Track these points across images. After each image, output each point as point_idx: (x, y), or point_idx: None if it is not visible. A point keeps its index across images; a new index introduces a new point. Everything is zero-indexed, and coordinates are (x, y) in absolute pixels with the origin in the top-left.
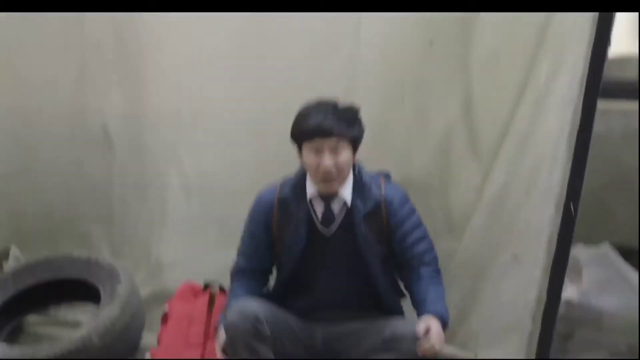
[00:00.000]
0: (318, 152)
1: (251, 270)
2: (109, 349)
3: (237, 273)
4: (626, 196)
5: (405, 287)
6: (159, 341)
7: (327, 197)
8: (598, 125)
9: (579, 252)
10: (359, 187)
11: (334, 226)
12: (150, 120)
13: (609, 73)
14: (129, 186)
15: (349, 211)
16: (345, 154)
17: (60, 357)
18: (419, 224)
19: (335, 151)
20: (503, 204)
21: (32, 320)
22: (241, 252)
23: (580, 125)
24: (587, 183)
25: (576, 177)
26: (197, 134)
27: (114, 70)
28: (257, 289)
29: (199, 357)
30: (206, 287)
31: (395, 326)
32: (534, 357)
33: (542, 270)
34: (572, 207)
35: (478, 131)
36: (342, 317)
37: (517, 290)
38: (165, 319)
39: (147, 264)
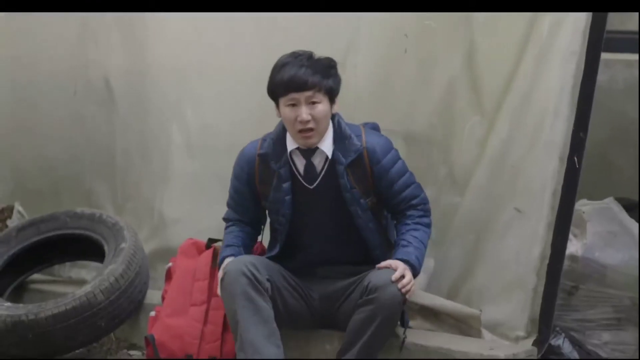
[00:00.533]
0: (294, 105)
1: (240, 221)
2: (113, 306)
3: (228, 221)
4: (629, 149)
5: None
6: (163, 298)
7: (308, 151)
8: (600, 77)
9: (582, 206)
10: (339, 138)
11: (317, 180)
12: (153, 76)
13: (610, 25)
14: (132, 142)
15: (331, 164)
16: (322, 106)
17: (65, 314)
18: (404, 171)
19: (311, 104)
20: (506, 158)
21: (36, 278)
22: (229, 205)
23: (583, 78)
24: (590, 136)
25: (580, 130)
26: (199, 90)
27: (116, 25)
28: (251, 237)
29: (203, 314)
30: (209, 245)
31: (370, 277)
32: (538, 313)
33: (546, 225)
34: (576, 160)
35: (481, 85)
36: (335, 274)
37: (521, 246)
38: (169, 275)
39: (150, 220)
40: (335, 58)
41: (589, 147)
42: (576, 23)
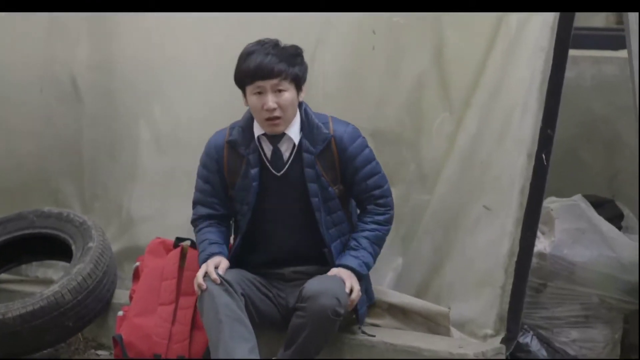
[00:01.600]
0: (260, 94)
1: (212, 216)
2: (80, 306)
3: (200, 219)
4: (597, 146)
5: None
6: (130, 298)
7: (275, 137)
8: (568, 74)
9: (550, 203)
10: (307, 127)
11: (284, 167)
12: (120, 72)
13: (577, 22)
14: (99, 140)
15: (298, 151)
16: (288, 94)
17: (32, 314)
18: (371, 159)
19: (277, 91)
20: (475, 154)
21: (3, 277)
22: (198, 201)
23: (551, 74)
24: (558, 133)
25: (548, 127)
26: (168, 86)
27: (84, 21)
28: (227, 235)
29: (171, 314)
30: (177, 244)
31: (306, 284)
32: (506, 310)
33: (514, 221)
34: (544, 157)
35: (449, 80)
36: (303, 277)
37: (490, 243)
38: (136, 275)
39: (118, 219)
40: (305, 54)
41: (557, 143)
42: (545, 19)
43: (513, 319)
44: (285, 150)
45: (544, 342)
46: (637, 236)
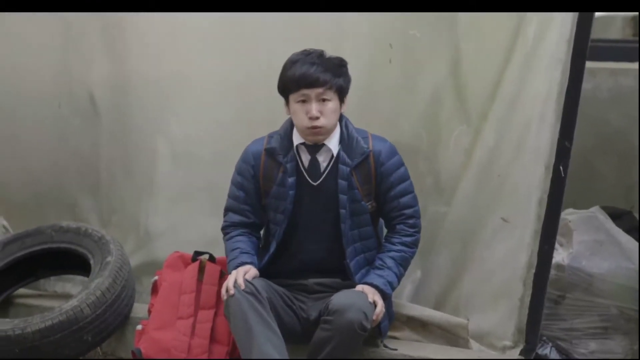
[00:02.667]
0: (304, 102)
1: (244, 224)
2: (99, 320)
3: (232, 227)
4: (613, 158)
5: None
6: (149, 312)
7: (313, 147)
8: (585, 86)
9: (568, 215)
10: (346, 139)
11: (321, 177)
12: (135, 87)
13: (594, 34)
14: (116, 155)
15: (335, 163)
16: (331, 104)
17: (51, 329)
18: (406, 177)
19: (321, 100)
20: (492, 166)
21: (22, 292)
22: (230, 208)
23: (568, 86)
24: (575, 145)
25: (565, 139)
26: (181, 101)
27: (98, 36)
28: (256, 244)
29: (190, 328)
30: (195, 258)
31: (333, 297)
32: (525, 322)
33: (532, 233)
34: (561, 169)
35: (466, 93)
36: (325, 289)
37: (508, 255)
38: (155, 289)
39: (136, 233)
40: None
41: (573, 155)
42: (561, 31)
43: (532, 331)
44: (323, 160)
45: (563, 353)
46: None
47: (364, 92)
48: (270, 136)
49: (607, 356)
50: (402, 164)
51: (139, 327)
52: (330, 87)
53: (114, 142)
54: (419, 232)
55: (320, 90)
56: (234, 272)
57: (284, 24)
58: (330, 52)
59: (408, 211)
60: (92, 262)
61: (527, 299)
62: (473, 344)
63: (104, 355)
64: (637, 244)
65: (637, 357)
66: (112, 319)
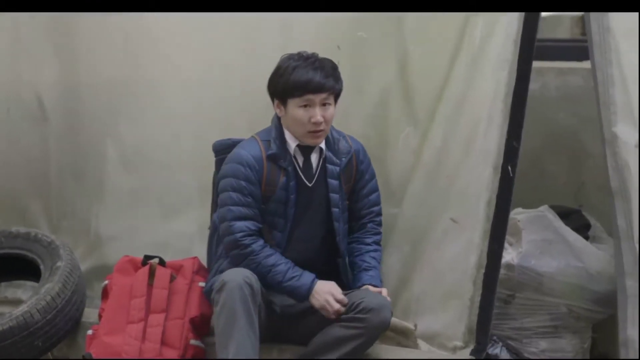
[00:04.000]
0: (307, 106)
1: (259, 231)
2: (50, 325)
3: (250, 235)
4: (562, 157)
5: (349, 241)
6: (100, 316)
7: (307, 148)
8: (533, 85)
9: (517, 214)
10: (330, 139)
11: (314, 178)
12: (85, 92)
13: (541, 33)
14: (66, 159)
15: (323, 163)
16: (332, 109)
17: (2, 334)
18: (374, 175)
19: (323, 105)
20: (441, 167)
21: None
22: (241, 216)
23: (515, 86)
24: (524, 144)
25: (513, 139)
26: (132, 105)
27: (48, 40)
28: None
29: (141, 332)
30: (145, 262)
31: (362, 296)
32: (475, 322)
33: (481, 233)
34: (510, 169)
35: (414, 94)
36: None
37: (458, 255)
38: (105, 293)
39: (86, 238)
40: (268, 72)
41: (522, 155)
42: (507, 31)
43: (482, 331)
44: (314, 160)
45: (514, 352)
46: (604, 245)
47: None
48: (265, 140)
49: (557, 355)
50: (371, 162)
51: (90, 331)
52: (332, 93)
53: (64, 146)
54: (381, 227)
55: (324, 95)
56: (330, 297)
57: (230, 24)
58: (278, 53)
59: (376, 209)
60: (42, 267)
61: (477, 299)
62: (423, 345)
63: None
64: (586, 242)
65: (588, 356)
66: (62, 324)
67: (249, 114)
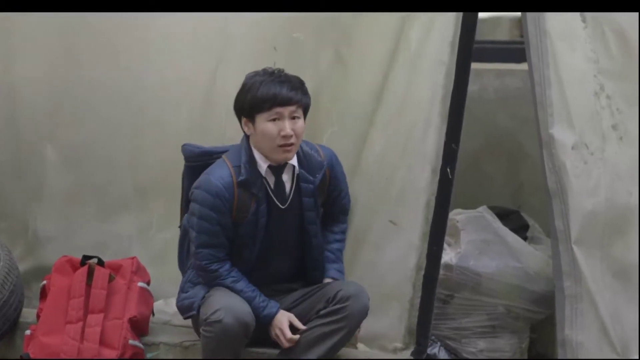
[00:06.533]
0: (277, 120)
1: (226, 256)
2: None
3: (218, 261)
4: (501, 159)
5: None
6: (38, 317)
7: (278, 168)
8: (471, 87)
9: (456, 215)
10: (302, 156)
11: (288, 199)
12: (23, 93)
13: (480, 35)
14: (4, 159)
15: (297, 181)
16: (301, 122)
17: None
18: (344, 174)
19: (292, 119)
20: (380, 170)
21: None
22: (209, 244)
23: (453, 88)
24: (463, 146)
25: (452, 141)
26: (71, 105)
27: None
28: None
29: (79, 332)
30: (84, 262)
31: (337, 287)
32: (415, 323)
33: (420, 235)
34: (448, 171)
35: (351, 96)
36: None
37: (397, 257)
38: (43, 293)
39: (25, 238)
40: (206, 73)
41: (461, 156)
42: (443, 33)
43: (422, 332)
44: (287, 180)
45: (452, 352)
46: (542, 246)
47: None
48: (236, 166)
49: (495, 355)
50: (339, 161)
51: (28, 332)
52: (300, 106)
53: (2, 147)
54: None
55: (293, 108)
56: (282, 324)
57: (167, 25)
58: (216, 58)
59: (346, 201)
60: None
61: (417, 301)
62: (361, 347)
63: None
64: (524, 243)
65: (525, 356)
66: (0, 324)
67: (187, 114)
